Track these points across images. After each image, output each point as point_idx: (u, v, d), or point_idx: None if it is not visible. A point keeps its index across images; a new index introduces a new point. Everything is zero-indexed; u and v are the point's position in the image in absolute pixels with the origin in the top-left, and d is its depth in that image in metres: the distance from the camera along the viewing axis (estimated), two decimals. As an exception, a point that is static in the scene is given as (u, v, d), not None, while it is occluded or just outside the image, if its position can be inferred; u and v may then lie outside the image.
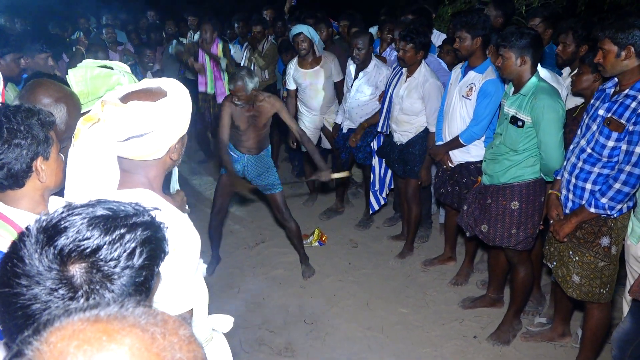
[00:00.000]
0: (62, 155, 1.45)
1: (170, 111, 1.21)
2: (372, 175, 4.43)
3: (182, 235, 1.21)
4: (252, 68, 5.52)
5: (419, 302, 3.58)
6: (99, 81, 1.88)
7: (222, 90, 5.54)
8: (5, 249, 1.25)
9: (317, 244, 4.34)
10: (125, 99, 1.20)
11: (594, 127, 2.37)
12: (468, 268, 3.81)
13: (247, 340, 3.20)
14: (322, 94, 4.57)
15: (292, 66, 4.62)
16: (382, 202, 4.55)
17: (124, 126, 1.16)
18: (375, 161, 4.38)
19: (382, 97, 4.15)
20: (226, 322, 1.50)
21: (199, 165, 6.16)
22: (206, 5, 5.63)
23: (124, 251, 0.77)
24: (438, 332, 3.27)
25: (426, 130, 3.80)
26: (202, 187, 5.66)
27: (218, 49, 5.49)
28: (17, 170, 1.33)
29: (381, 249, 4.32)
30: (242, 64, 5.64)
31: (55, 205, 1.43)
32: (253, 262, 4.13)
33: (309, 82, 4.56)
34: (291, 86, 4.70)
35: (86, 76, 1.85)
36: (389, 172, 4.39)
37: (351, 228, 4.65)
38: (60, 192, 1.35)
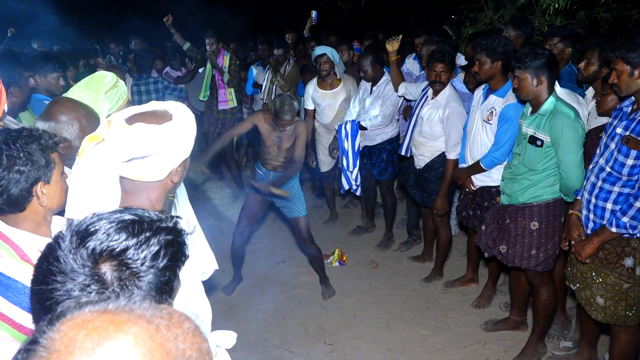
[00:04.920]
0: (66, 173, 1.46)
1: (174, 135, 1.22)
2: (344, 159, 4.46)
3: None
4: (274, 90, 5.64)
5: (440, 324, 3.53)
6: (92, 85, 1.98)
7: (223, 98, 5.71)
8: (4, 270, 1.30)
9: (337, 264, 4.34)
10: (131, 120, 1.22)
11: (613, 145, 2.36)
12: (490, 290, 3.74)
13: None
14: (340, 115, 4.63)
15: (312, 86, 4.71)
16: (353, 187, 4.57)
17: (128, 147, 1.18)
18: (348, 145, 4.39)
19: (408, 113, 4.19)
20: (229, 338, 1.51)
21: (217, 183, 6.26)
22: (230, 29, 5.81)
23: (150, 252, 0.84)
24: (460, 355, 3.21)
25: (443, 155, 3.73)
26: (223, 206, 5.74)
27: (224, 60, 5.63)
28: (16, 196, 1.35)
29: (402, 269, 4.29)
30: (263, 86, 5.77)
31: (59, 225, 1.46)
32: (273, 281, 4.14)
33: (328, 102, 4.64)
34: (309, 106, 4.78)
35: (79, 87, 1.95)
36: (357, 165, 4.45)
37: (371, 248, 4.64)
38: (63, 212, 1.36)
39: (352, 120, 4.38)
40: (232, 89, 5.70)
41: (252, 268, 4.28)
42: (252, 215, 3.85)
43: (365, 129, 4.32)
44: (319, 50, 4.54)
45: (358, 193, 4.65)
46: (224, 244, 4.51)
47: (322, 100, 4.64)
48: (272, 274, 4.26)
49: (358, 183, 4.56)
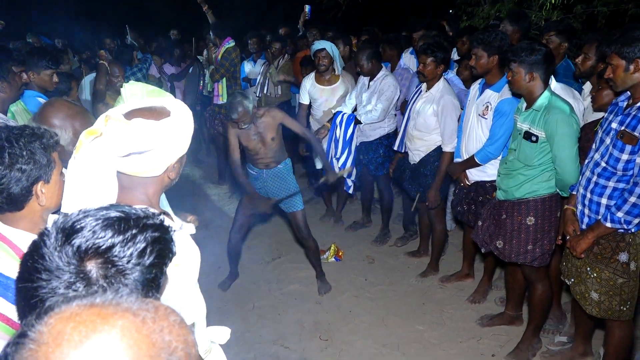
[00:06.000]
0: (64, 173, 1.45)
1: (171, 131, 1.23)
2: (333, 146, 4.46)
3: (184, 251, 1.24)
4: (267, 84, 5.62)
5: (436, 320, 3.54)
6: (154, 94, 1.97)
7: (216, 93, 5.61)
8: (2, 269, 1.30)
9: (333, 259, 4.34)
10: (130, 115, 1.22)
11: (608, 140, 2.36)
12: (486, 285, 3.76)
13: (262, 356, 3.20)
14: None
15: (309, 81, 4.69)
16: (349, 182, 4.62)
17: (126, 142, 1.18)
18: (340, 132, 4.38)
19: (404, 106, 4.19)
20: (224, 333, 1.52)
21: (217, 182, 6.24)
22: (228, 25, 5.77)
23: (136, 250, 0.83)
24: (455, 350, 3.22)
25: (438, 149, 3.74)
26: (220, 202, 5.73)
27: (220, 50, 5.43)
28: (17, 195, 1.35)
29: (397, 265, 4.30)
30: (257, 80, 5.74)
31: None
32: (269, 277, 4.14)
33: (325, 98, 4.63)
34: (304, 100, 4.75)
35: (143, 91, 1.94)
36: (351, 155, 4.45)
37: (367, 244, 4.65)
38: (59, 210, 1.35)
39: (350, 113, 4.38)
40: (223, 85, 5.58)
41: (248, 264, 4.28)
42: (248, 214, 3.83)
43: (361, 122, 4.32)
44: (319, 44, 4.52)
45: (350, 191, 4.67)
46: (221, 240, 4.50)
47: (320, 96, 4.63)
48: (267, 270, 4.26)
49: (353, 179, 4.56)
